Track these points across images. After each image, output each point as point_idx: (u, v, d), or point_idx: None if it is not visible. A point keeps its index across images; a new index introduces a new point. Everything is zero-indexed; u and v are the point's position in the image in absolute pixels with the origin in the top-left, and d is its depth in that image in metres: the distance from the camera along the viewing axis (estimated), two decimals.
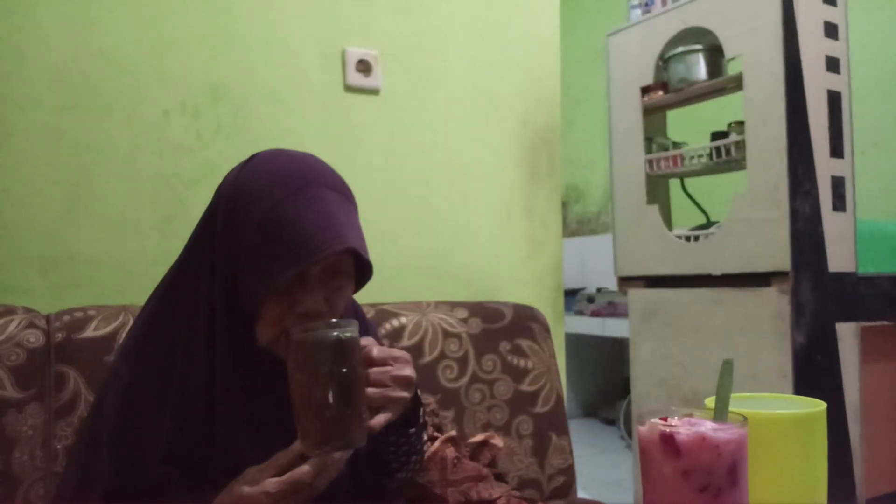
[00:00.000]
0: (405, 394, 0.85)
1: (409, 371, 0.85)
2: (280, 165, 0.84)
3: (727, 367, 0.65)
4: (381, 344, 0.89)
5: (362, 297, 1.50)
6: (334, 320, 0.78)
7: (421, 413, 0.96)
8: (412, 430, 0.94)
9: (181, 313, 0.87)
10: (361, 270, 0.90)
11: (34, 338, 1.17)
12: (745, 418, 0.61)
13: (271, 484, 0.75)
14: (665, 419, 0.63)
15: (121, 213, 1.46)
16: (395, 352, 0.86)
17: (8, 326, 1.16)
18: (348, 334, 0.76)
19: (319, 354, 0.74)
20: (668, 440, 0.60)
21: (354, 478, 0.95)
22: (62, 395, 1.16)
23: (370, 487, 0.99)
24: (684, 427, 0.61)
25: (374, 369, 0.83)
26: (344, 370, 0.74)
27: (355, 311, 1.09)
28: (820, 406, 0.69)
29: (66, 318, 1.21)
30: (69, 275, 1.41)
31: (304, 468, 0.75)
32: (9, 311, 1.19)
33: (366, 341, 0.83)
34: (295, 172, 0.83)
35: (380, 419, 0.81)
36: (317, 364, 0.74)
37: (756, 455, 0.63)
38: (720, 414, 0.63)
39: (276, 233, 0.79)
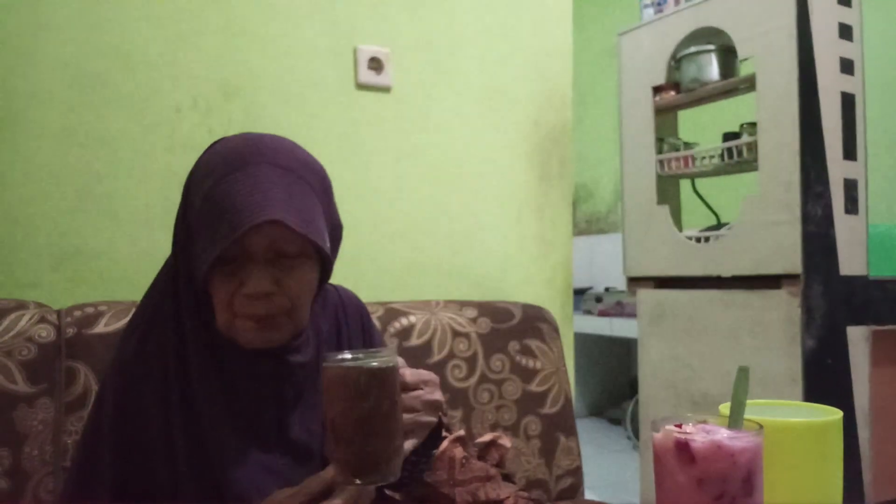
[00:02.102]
0: (434, 419, 0.84)
1: (438, 395, 0.84)
2: (230, 147, 0.83)
3: (742, 373, 0.64)
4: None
5: (372, 295, 1.50)
6: (374, 350, 0.74)
7: (442, 433, 0.94)
8: (433, 451, 0.93)
9: (170, 307, 0.87)
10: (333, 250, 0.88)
11: (45, 333, 1.18)
12: (760, 426, 0.61)
13: None
14: (680, 426, 0.63)
15: (132, 209, 1.47)
16: (425, 374, 0.84)
17: (19, 321, 1.17)
18: (392, 363, 0.73)
19: (364, 386, 0.70)
20: (683, 447, 0.59)
21: None
22: (72, 390, 1.16)
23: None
24: (699, 434, 0.60)
25: (407, 395, 0.81)
26: (388, 402, 0.72)
27: (360, 314, 1.08)
28: (836, 414, 0.68)
29: (77, 313, 1.22)
30: (80, 270, 1.41)
31: (337, 502, 0.74)
32: (20, 305, 1.20)
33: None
34: (240, 152, 0.81)
35: (407, 444, 0.80)
36: (361, 396, 0.70)
37: (772, 463, 0.62)
38: (735, 421, 0.62)
39: (210, 212, 0.78)
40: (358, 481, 0.72)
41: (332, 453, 0.73)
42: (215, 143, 0.88)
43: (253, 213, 0.75)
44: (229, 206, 0.76)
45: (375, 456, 0.71)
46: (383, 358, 0.73)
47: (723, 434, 0.60)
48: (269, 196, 0.77)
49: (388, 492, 1.02)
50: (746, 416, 0.63)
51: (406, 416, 0.79)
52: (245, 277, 0.80)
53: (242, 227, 0.75)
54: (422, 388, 0.83)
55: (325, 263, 0.88)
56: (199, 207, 0.80)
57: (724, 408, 0.66)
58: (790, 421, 0.67)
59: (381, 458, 0.72)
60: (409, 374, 0.82)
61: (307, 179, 0.83)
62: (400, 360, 0.82)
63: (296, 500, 0.75)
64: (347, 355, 0.72)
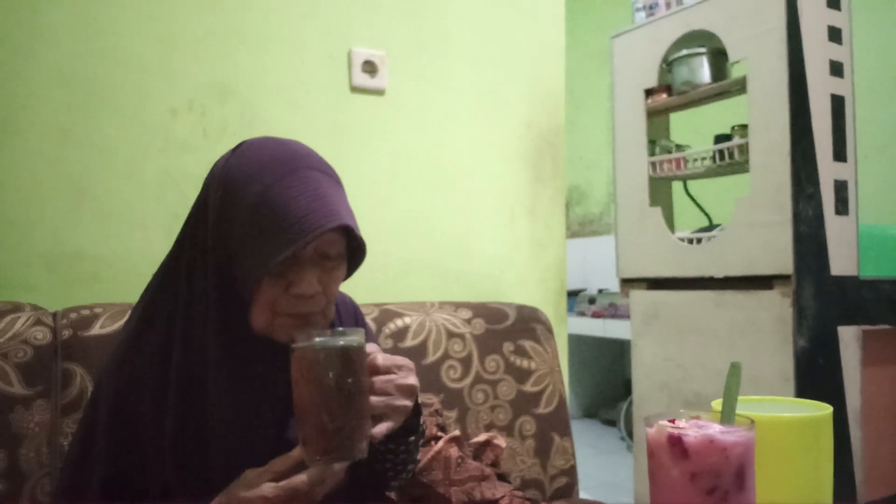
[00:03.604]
0: (408, 402, 0.85)
1: (412, 379, 0.85)
2: (268, 151, 0.85)
3: (734, 370, 0.65)
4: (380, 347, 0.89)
5: (366, 296, 1.50)
6: (340, 329, 0.77)
7: (420, 420, 0.96)
8: (411, 438, 0.94)
9: (176, 307, 0.87)
10: (352, 253, 0.90)
11: (41, 335, 1.18)
12: (752, 421, 0.62)
13: (268, 488, 0.75)
14: (673, 421, 0.63)
15: (127, 211, 1.47)
16: (399, 359, 0.86)
17: (15, 323, 1.17)
18: (355, 343, 0.75)
19: (325, 364, 0.73)
20: (676, 442, 0.60)
21: (354, 485, 0.95)
22: (68, 392, 1.16)
23: (368, 494, 0.99)
24: (692, 429, 0.61)
25: (379, 378, 0.82)
26: (349, 380, 0.74)
27: (355, 314, 1.09)
28: (826, 409, 0.69)
29: (73, 315, 1.22)
30: (76, 272, 1.41)
31: (302, 477, 0.75)
32: (16, 308, 1.20)
33: (370, 348, 0.83)
34: (283, 156, 0.84)
35: (382, 428, 0.81)
36: (321, 374, 0.73)
37: (763, 458, 0.63)
38: (727, 417, 0.63)
39: (268, 215, 0.79)
40: (320, 458, 0.73)
41: (299, 432, 0.75)
42: (240, 147, 0.88)
43: (323, 219, 0.79)
44: (294, 210, 0.79)
45: (338, 434, 0.73)
46: (347, 338, 0.75)
47: (715, 429, 0.61)
48: (330, 202, 0.81)
49: (387, 493, 1.03)
50: (738, 411, 0.64)
51: (378, 400, 0.81)
52: (294, 279, 0.82)
53: (314, 231, 0.78)
54: (395, 373, 0.84)
55: (350, 264, 0.92)
56: (249, 211, 0.80)
57: (717, 404, 0.67)
58: (781, 416, 0.68)
59: (343, 435, 0.73)
60: (381, 357, 0.84)
61: (340, 183, 0.88)
62: (374, 346, 0.85)
63: (263, 477, 0.76)
64: (315, 338, 0.74)
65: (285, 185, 0.80)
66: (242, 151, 0.87)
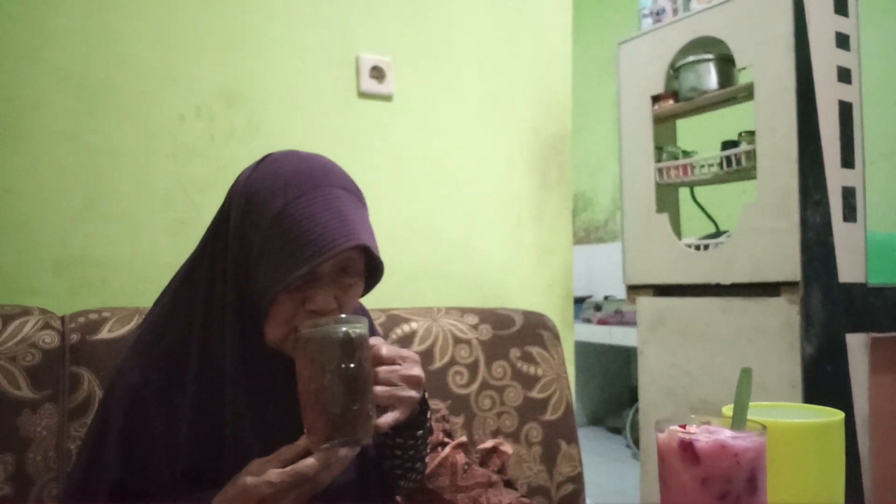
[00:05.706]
0: (414, 393, 0.84)
1: (417, 371, 0.85)
2: (293, 165, 0.85)
3: (745, 375, 0.65)
4: None
5: (373, 301, 1.50)
6: (343, 316, 0.77)
7: (428, 416, 0.96)
8: (419, 432, 0.94)
9: (193, 315, 0.87)
10: (370, 271, 0.91)
11: (49, 339, 1.18)
12: (764, 426, 0.61)
13: (274, 474, 0.75)
14: (684, 426, 0.63)
15: (134, 216, 1.47)
16: (404, 351, 0.86)
17: (24, 327, 1.17)
18: (358, 331, 0.76)
19: (328, 350, 0.74)
20: (687, 447, 0.60)
21: (361, 483, 0.95)
22: (76, 395, 1.16)
23: (377, 494, 0.99)
24: (703, 434, 0.61)
25: (383, 368, 0.83)
26: (352, 366, 0.74)
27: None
28: (838, 415, 0.69)
29: (81, 319, 1.22)
30: (83, 277, 1.42)
31: (308, 461, 0.75)
32: (25, 311, 1.20)
33: (375, 340, 0.84)
34: (307, 172, 0.84)
35: (387, 418, 0.81)
36: (325, 360, 0.74)
37: (774, 464, 0.63)
38: (738, 422, 0.63)
39: (289, 231, 0.80)
40: (325, 445, 0.74)
41: (304, 420, 0.76)
42: (265, 159, 0.89)
43: (343, 237, 0.79)
44: (314, 227, 0.79)
45: (341, 419, 0.73)
46: (350, 325, 0.75)
47: (726, 434, 0.61)
48: (351, 221, 0.82)
49: (395, 497, 1.03)
50: (749, 417, 0.63)
51: (382, 390, 0.81)
52: (311, 295, 0.83)
53: (332, 250, 0.78)
54: (399, 363, 0.84)
55: (367, 282, 0.92)
56: (269, 225, 0.81)
57: (728, 409, 0.67)
58: (793, 422, 0.68)
59: (346, 421, 0.74)
60: (385, 348, 0.84)
61: (362, 201, 0.88)
62: (378, 339, 0.85)
63: (270, 465, 0.77)
64: (318, 325, 0.75)
65: (307, 201, 0.81)
66: (267, 164, 0.87)
